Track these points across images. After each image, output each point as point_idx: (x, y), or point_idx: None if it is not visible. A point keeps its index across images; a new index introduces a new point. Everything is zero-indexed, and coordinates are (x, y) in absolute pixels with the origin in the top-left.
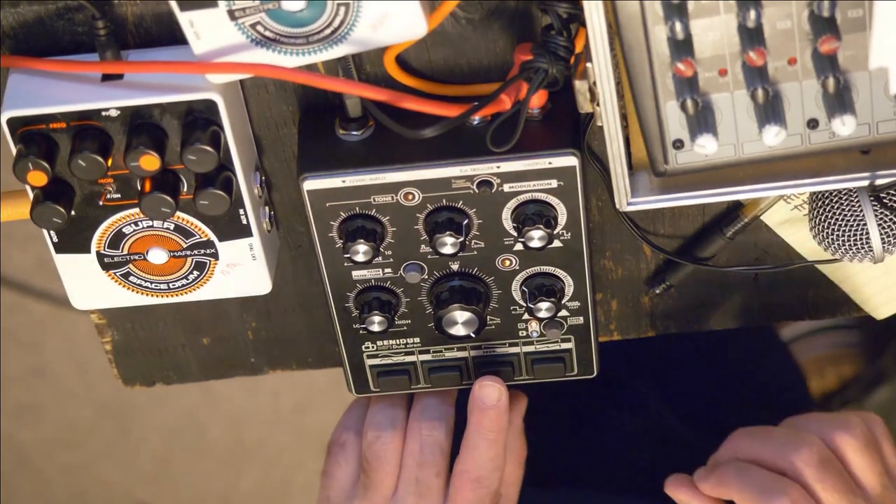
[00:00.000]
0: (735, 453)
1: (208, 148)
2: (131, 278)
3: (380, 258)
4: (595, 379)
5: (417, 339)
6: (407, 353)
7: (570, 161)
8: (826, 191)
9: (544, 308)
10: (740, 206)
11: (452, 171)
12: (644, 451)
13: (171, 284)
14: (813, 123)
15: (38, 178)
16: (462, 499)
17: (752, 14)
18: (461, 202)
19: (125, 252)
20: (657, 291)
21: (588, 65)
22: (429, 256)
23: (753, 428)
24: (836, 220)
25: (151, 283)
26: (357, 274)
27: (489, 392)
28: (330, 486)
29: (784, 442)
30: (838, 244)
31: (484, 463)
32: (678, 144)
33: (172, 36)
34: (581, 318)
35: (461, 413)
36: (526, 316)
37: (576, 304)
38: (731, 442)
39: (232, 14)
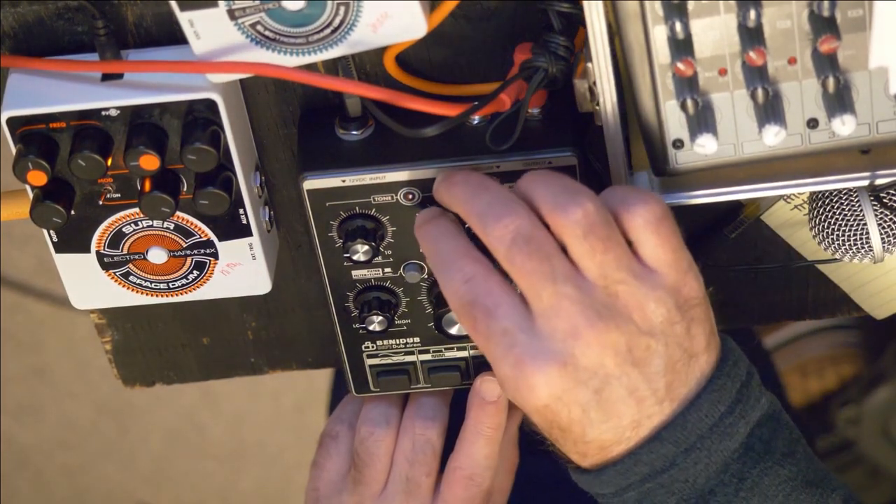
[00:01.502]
0: (446, 201)
1: (208, 147)
2: (131, 278)
3: (380, 258)
4: None
5: (417, 339)
6: (407, 353)
7: (570, 160)
8: (826, 191)
9: None
10: (740, 206)
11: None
12: None
13: (170, 284)
14: (813, 123)
15: (38, 177)
16: (453, 496)
17: (752, 14)
18: None
19: (125, 252)
20: None
21: (588, 64)
22: None
23: (474, 176)
24: (836, 219)
25: (151, 282)
26: (357, 274)
27: (490, 387)
28: (319, 477)
29: (488, 208)
30: (838, 244)
31: (479, 460)
32: (678, 144)
33: (172, 36)
34: None
35: (457, 414)
36: None
37: None
38: (448, 185)
39: (232, 14)
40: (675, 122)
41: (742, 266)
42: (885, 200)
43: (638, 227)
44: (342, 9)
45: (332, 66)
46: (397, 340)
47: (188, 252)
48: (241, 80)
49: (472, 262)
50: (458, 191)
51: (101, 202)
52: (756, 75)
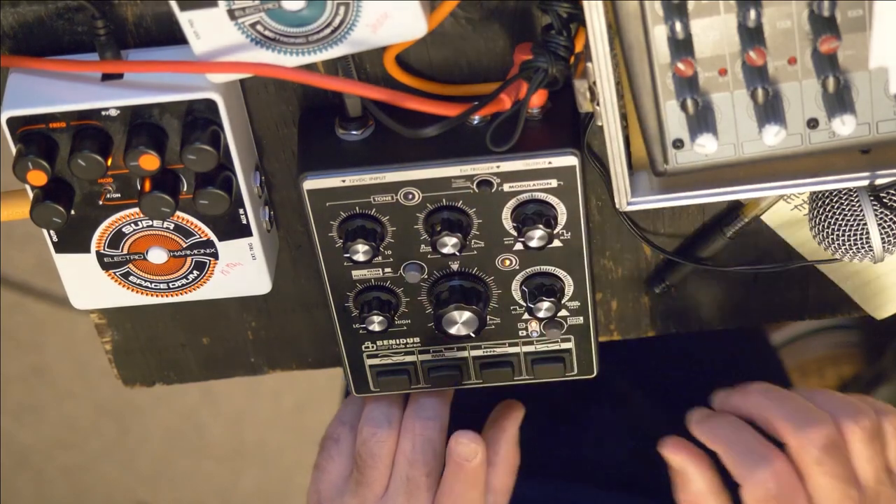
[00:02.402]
0: (742, 406)
1: (208, 147)
2: (131, 278)
3: (380, 258)
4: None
5: (417, 339)
6: (407, 353)
7: (570, 161)
8: (826, 190)
9: (544, 308)
10: (740, 205)
11: (452, 171)
12: (624, 445)
13: (170, 284)
14: (813, 123)
15: (38, 177)
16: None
17: (752, 14)
18: (461, 202)
19: (125, 252)
20: (657, 291)
21: (588, 64)
22: (429, 256)
23: (771, 386)
24: (836, 219)
25: (151, 282)
26: (357, 274)
27: (465, 451)
28: (321, 479)
29: (796, 414)
30: (838, 244)
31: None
32: (678, 144)
33: (172, 36)
34: (581, 317)
35: (455, 413)
36: (526, 316)
37: (576, 303)
38: (745, 394)
39: (232, 14)
40: (675, 121)
41: (742, 266)
42: (885, 200)
43: (891, 435)
44: (342, 9)
45: (332, 66)
46: (397, 340)
47: (188, 252)
48: (241, 80)
49: (779, 458)
50: (756, 400)
51: (101, 202)
52: (756, 75)
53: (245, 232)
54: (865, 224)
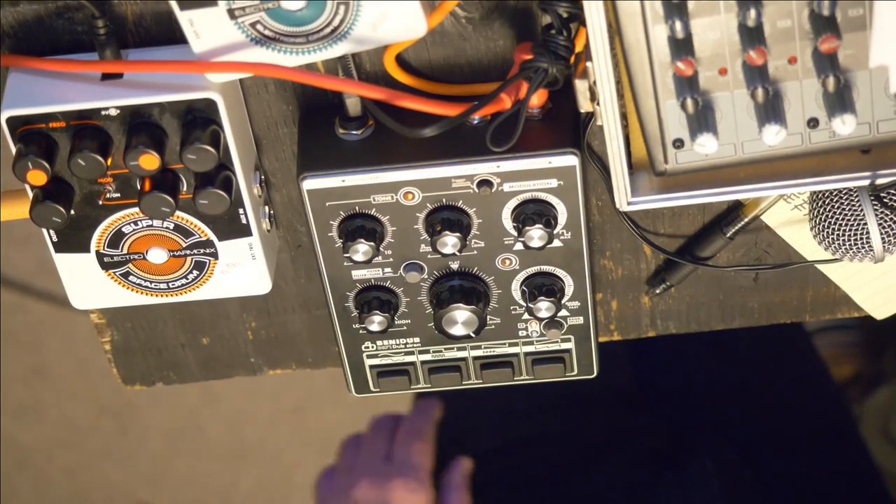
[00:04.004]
0: None
1: (208, 147)
2: (131, 278)
3: (380, 258)
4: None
5: (417, 339)
6: (407, 353)
7: (570, 160)
8: (826, 190)
9: (544, 308)
10: (740, 205)
11: (452, 171)
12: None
13: (170, 284)
14: (813, 123)
15: (38, 177)
16: None
17: (753, 13)
18: (461, 202)
19: (125, 251)
20: (657, 291)
21: (588, 64)
22: (429, 256)
23: None
24: (837, 219)
25: (151, 282)
26: (357, 273)
27: None
28: None
29: None
30: (839, 244)
31: None
32: (678, 144)
33: (172, 35)
34: (581, 317)
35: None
36: (526, 316)
37: (576, 303)
38: None
39: (232, 13)
40: (675, 121)
41: (742, 266)
42: (885, 200)
43: None
44: (342, 8)
45: (332, 66)
46: (397, 340)
47: (188, 252)
48: (241, 80)
49: None
50: None
51: (100, 202)
52: (756, 75)
53: (245, 232)
54: (866, 224)
